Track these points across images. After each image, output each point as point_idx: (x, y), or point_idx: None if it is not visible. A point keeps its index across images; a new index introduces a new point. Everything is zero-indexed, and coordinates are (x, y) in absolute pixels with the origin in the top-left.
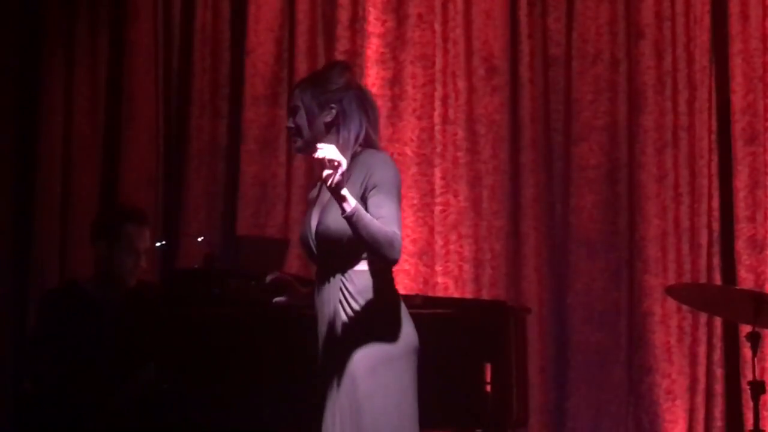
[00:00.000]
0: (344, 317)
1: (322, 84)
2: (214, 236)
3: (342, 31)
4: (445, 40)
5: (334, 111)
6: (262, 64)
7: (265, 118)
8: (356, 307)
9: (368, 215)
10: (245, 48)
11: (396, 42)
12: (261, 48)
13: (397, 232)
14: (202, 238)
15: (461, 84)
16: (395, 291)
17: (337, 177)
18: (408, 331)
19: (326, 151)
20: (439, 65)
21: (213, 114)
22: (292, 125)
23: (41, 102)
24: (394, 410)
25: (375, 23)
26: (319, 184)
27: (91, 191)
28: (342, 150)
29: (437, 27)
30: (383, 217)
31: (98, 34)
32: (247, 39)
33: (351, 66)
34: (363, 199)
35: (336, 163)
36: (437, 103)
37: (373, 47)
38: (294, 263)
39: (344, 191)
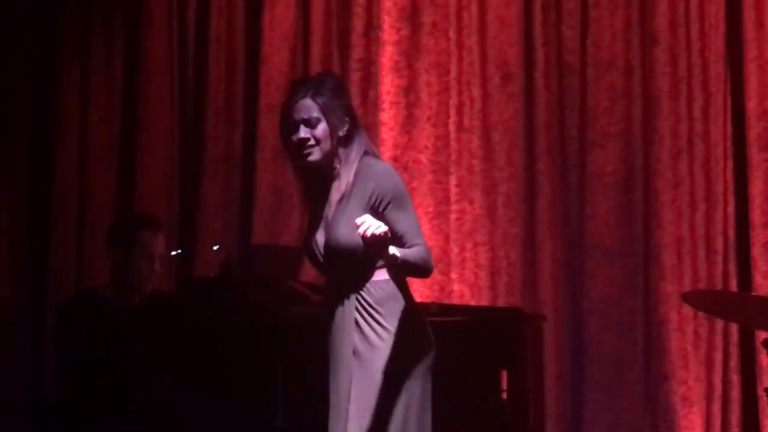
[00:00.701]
0: (363, 327)
1: (335, 96)
2: (230, 245)
3: (357, 39)
4: (459, 47)
5: (347, 126)
6: (277, 72)
7: None
8: (375, 316)
9: (404, 250)
10: (260, 56)
11: (411, 50)
12: (276, 56)
13: (422, 242)
14: (218, 246)
15: (476, 92)
16: (412, 299)
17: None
18: (426, 342)
19: (370, 225)
20: (453, 73)
21: (228, 122)
22: (309, 137)
23: (57, 111)
24: (414, 419)
25: (390, 31)
26: (315, 201)
27: (108, 200)
28: (350, 164)
29: (452, 35)
30: (406, 233)
31: (113, 43)
32: (261, 47)
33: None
34: (372, 210)
35: (383, 234)
36: (452, 111)
37: (388, 55)
38: (310, 271)
39: (391, 249)
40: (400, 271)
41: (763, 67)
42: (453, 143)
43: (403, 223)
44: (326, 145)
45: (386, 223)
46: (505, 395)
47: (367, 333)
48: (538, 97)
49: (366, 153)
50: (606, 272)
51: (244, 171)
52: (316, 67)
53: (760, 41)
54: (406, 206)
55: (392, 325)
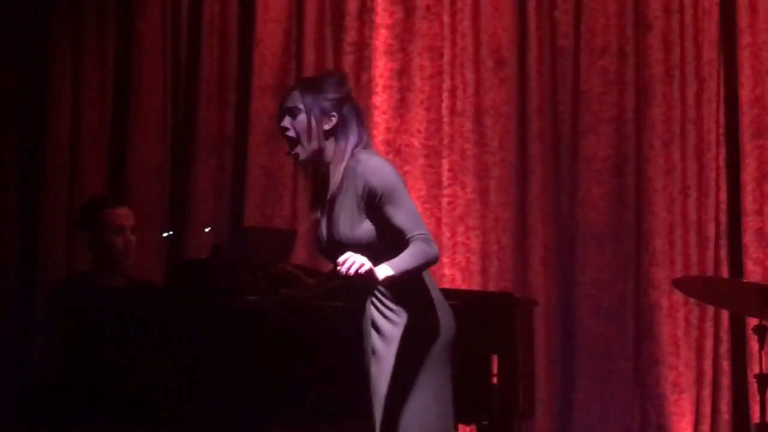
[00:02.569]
0: (378, 317)
1: (325, 90)
2: (222, 227)
3: (350, 22)
4: (453, 31)
5: (334, 120)
6: (270, 54)
7: (272, 109)
8: (386, 303)
9: (395, 261)
10: (253, 39)
11: (404, 33)
12: (269, 38)
13: (420, 232)
14: (210, 228)
15: (469, 76)
16: (427, 283)
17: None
18: (444, 323)
19: (352, 264)
20: (447, 57)
21: (221, 105)
22: (289, 126)
23: (49, 93)
24: (433, 406)
25: (383, 14)
26: (318, 202)
27: (99, 182)
28: (337, 160)
29: (445, 18)
30: (404, 226)
31: (106, 24)
32: (255, 30)
33: (347, 76)
34: (363, 205)
35: (367, 270)
36: (445, 95)
37: (382, 38)
38: (301, 253)
39: (383, 271)
40: (404, 279)
41: (757, 53)
42: (446, 127)
43: (399, 217)
44: (308, 139)
45: (382, 218)
46: (495, 380)
47: (380, 323)
48: (531, 81)
49: (361, 147)
50: (597, 258)
51: (237, 153)
52: (309, 49)
53: (754, 28)
54: (400, 199)
55: (404, 310)
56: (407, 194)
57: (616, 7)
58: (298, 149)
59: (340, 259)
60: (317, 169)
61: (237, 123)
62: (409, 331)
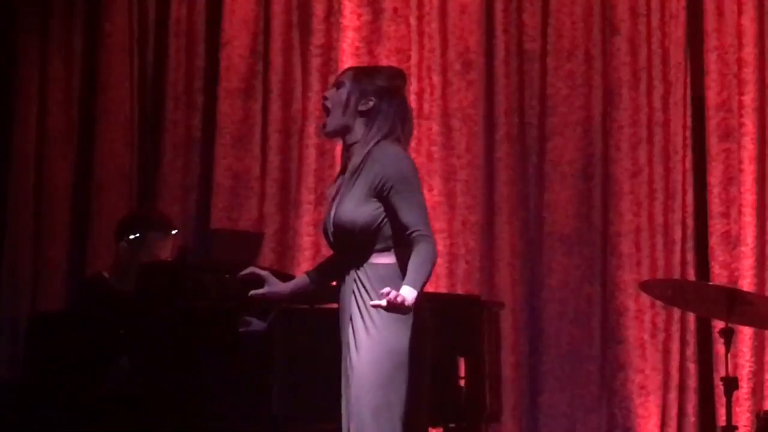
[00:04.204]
0: (357, 309)
1: (373, 76)
2: (188, 229)
3: (317, 25)
4: (420, 34)
5: (371, 104)
6: (237, 57)
7: (240, 112)
8: (368, 300)
9: (413, 277)
10: (220, 41)
11: (371, 36)
12: (236, 41)
13: (425, 231)
14: (176, 231)
15: (436, 78)
16: None
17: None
18: (420, 325)
19: (397, 297)
20: (414, 59)
21: (188, 107)
22: (329, 96)
23: (16, 94)
24: (401, 404)
25: (350, 17)
26: (337, 181)
27: (66, 184)
28: (365, 144)
29: (412, 21)
30: (409, 222)
31: (73, 26)
32: (222, 32)
33: (406, 77)
34: (376, 194)
35: (402, 301)
36: (412, 98)
37: (349, 41)
38: (268, 257)
39: (409, 292)
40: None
41: (723, 57)
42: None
43: (406, 210)
44: (340, 112)
45: (389, 208)
46: (462, 382)
47: (363, 315)
48: (498, 84)
49: (389, 138)
50: (564, 260)
51: (204, 155)
52: (276, 52)
53: (721, 31)
54: (411, 193)
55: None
56: (420, 191)
57: (583, 10)
58: (327, 120)
59: (383, 290)
60: (345, 148)
61: (204, 125)
62: (390, 330)
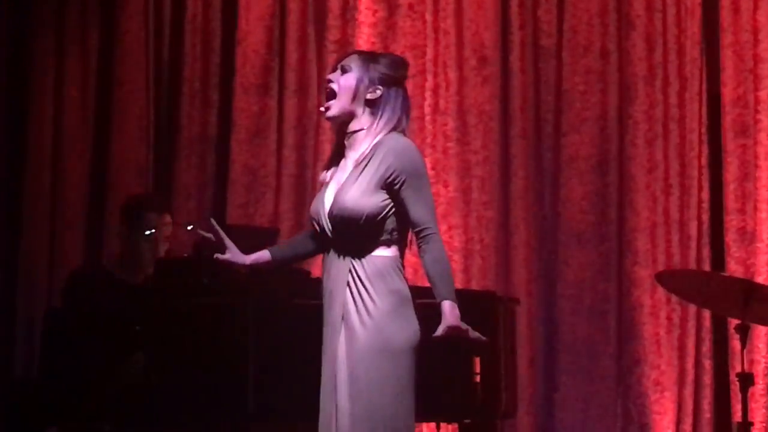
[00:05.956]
0: (351, 302)
1: (380, 63)
2: (204, 225)
3: (333, 21)
4: (435, 30)
5: (379, 92)
6: (253, 53)
7: (255, 108)
8: (364, 293)
9: (443, 289)
10: (236, 37)
11: (387, 32)
12: (252, 37)
13: (435, 230)
14: (192, 226)
15: (452, 74)
16: (405, 282)
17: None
18: (413, 324)
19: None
20: (429, 55)
21: (203, 103)
22: (334, 80)
23: (31, 92)
24: (391, 402)
25: (366, 13)
26: (332, 165)
27: (81, 181)
28: (373, 133)
29: (428, 17)
30: (420, 218)
31: (88, 23)
32: (237, 28)
33: (408, 66)
34: (386, 186)
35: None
36: (428, 94)
37: (364, 37)
38: None
39: (451, 309)
40: None
41: (739, 52)
42: (428, 126)
43: (417, 206)
44: (348, 98)
45: (400, 202)
46: (477, 378)
47: (357, 306)
48: (514, 80)
49: (396, 130)
50: (580, 257)
51: (219, 151)
52: (292, 48)
53: (736, 27)
54: (421, 187)
55: (380, 303)
56: (429, 186)
57: (598, 6)
58: (332, 103)
59: (472, 333)
60: (342, 133)
61: (220, 121)
62: (382, 320)
